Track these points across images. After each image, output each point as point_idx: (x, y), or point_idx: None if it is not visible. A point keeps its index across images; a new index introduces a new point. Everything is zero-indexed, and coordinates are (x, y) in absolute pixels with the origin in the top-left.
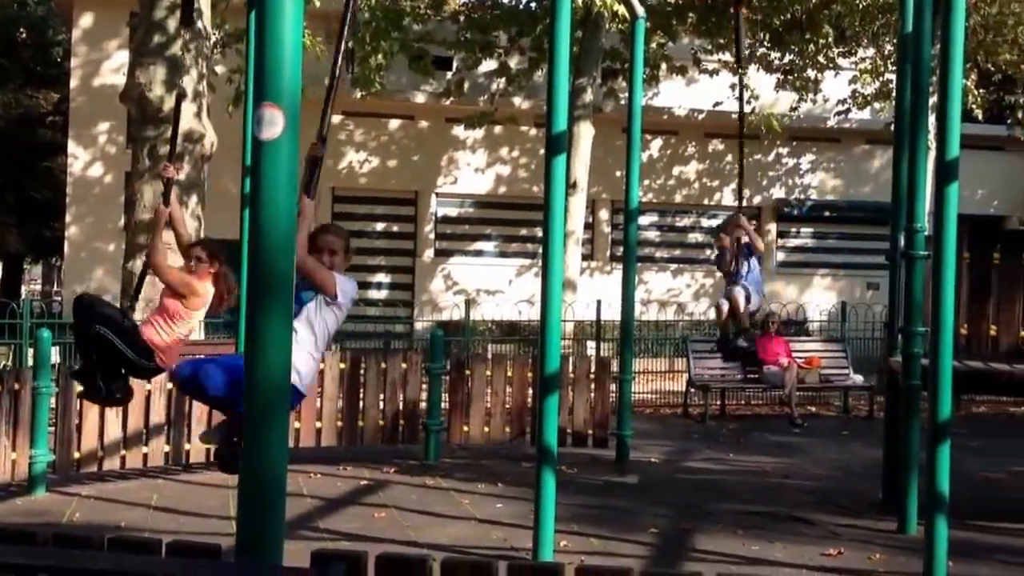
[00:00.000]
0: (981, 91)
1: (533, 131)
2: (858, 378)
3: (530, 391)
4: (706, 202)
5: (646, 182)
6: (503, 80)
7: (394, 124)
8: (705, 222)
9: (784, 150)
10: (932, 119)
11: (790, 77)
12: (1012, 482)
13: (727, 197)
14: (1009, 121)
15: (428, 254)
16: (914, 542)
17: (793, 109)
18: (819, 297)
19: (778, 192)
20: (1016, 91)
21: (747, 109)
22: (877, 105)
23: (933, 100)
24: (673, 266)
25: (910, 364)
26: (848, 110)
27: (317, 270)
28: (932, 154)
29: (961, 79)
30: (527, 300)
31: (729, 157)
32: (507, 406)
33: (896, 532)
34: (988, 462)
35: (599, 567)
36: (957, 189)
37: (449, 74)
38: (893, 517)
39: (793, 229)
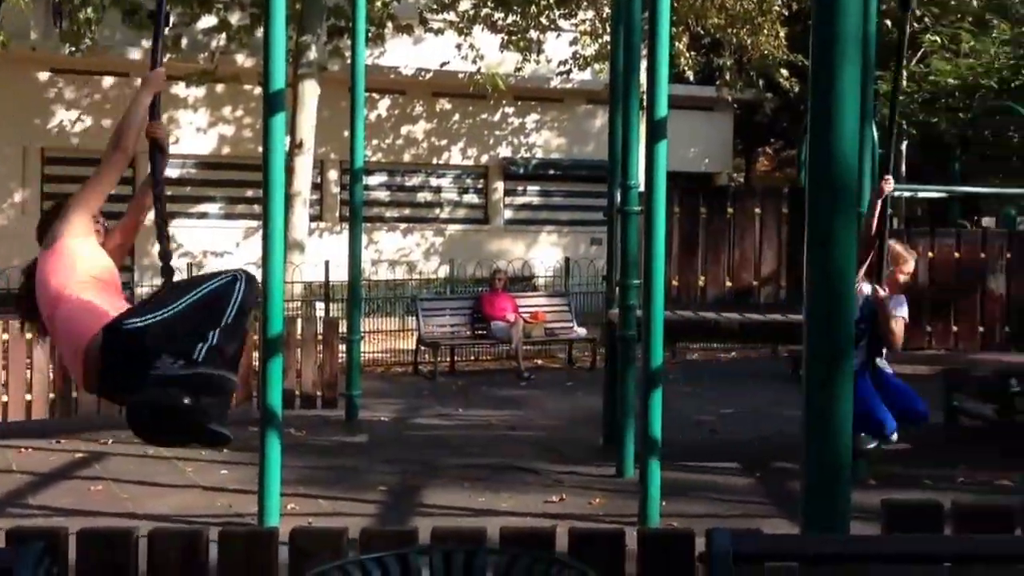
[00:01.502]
0: (692, 53)
1: (257, 90)
2: (581, 331)
3: (256, 354)
4: (435, 161)
5: (374, 142)
6: (223, 37)
7: (108, 82)
8: (434, 181)
9: (510, 110)
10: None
11: (514, 38)
12: (721, 424)
13: (455, 156)
14: (718, 83)
15: (148, 217)
16: (631, 485)
17: (518, 70)
18: (545, 253)
19: (504, 151)
20: (724, 54)
21: (472, 69)
22: (597, 66)
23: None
24: (403, 225)
25: (625, 315)
26: (570, 71)
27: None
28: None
29: (668, 41)
30: (254, 263)
31: (457, 116)
32: None
33: (615, 476)
34: (700, 406)
35: (312, 529)
36: (666, 147)
37: (166, 29)
38: (612, 462)
39: (519, 187)
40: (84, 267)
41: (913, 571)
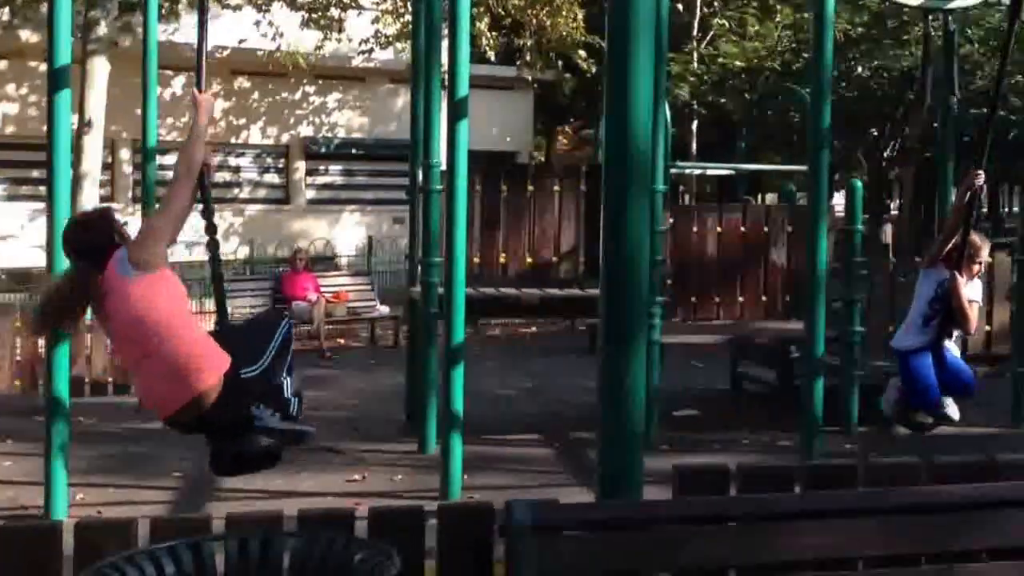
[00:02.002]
0: (493, 34)
1: (43, 66)
2: (384, 309)
3: (42, 341)
4: (233, 141)
5: (169, 120)
6: (7, 11)
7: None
8: (233, 161)
9: (311, 88)
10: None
11: (314, 15)
12: (523, 398)
13: (255, 135)
14: (518, 63)
15: None
16: (433, 460)
17: (318, 48)
18: (349, 232)
19: (306, 130)
20: (524, 34)
21: (271, 46)
22: (399, 45)
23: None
24: (200, 206)
25: (427, 292)
26: (371, 50)
27: None
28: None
29: (468, 22)
30: (40, 246)
31: (256, 95)
32: (17, 359)
33: (417, 452)
34: (502, 381)
35: (98, 520)
36: (467, 126)
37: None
38: (415, 439)
39: (322, 167)
40: (186, 299)
41: (703, 531)
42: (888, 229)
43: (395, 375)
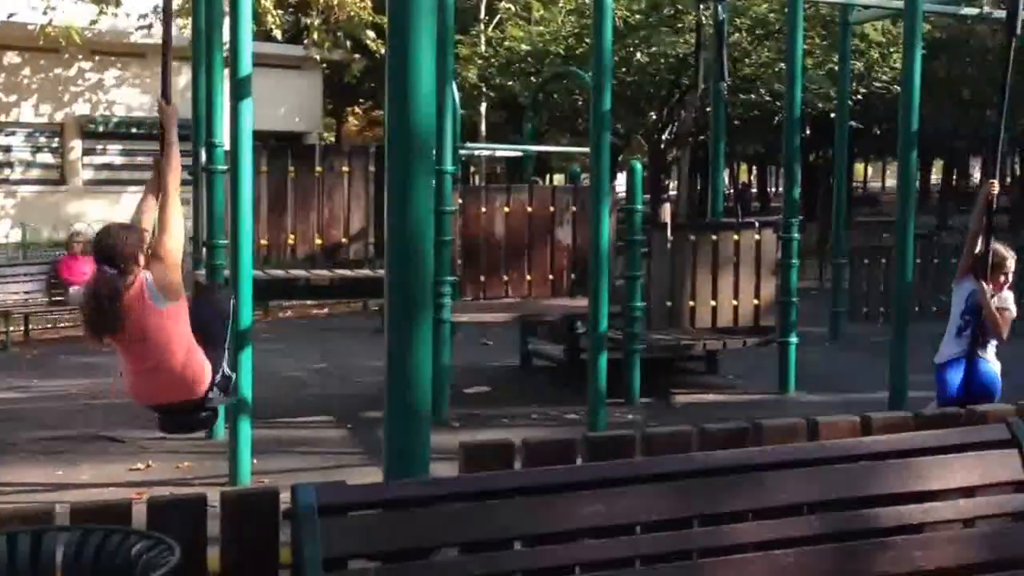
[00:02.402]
0: (279, 12)
1: None
2: None
3: None
4: (3, 119)
5: None
6: None
7: None
8: (3, 140)
9: (87, 65)
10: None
11: None
12: (314, 379)
13: (26, 113)
14: (305, 42)
15: None
16: (221, 446)
17: (94, 22)
18: (129, 214)
19: (82, 108)
20: (311, 13)
21: (43, 20)
22: (180, 21)
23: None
24: None
25: (213, 276)
26: (151, 25)
27: None
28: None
29: None
30: None
31: (27, 71)
32: None
33: (205, 438)
34: (293, 363)
35: None
36: (251, 106)
37: None
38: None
39: (99, 146)
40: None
41: (489, 505)
42: (667, 208)
43: None
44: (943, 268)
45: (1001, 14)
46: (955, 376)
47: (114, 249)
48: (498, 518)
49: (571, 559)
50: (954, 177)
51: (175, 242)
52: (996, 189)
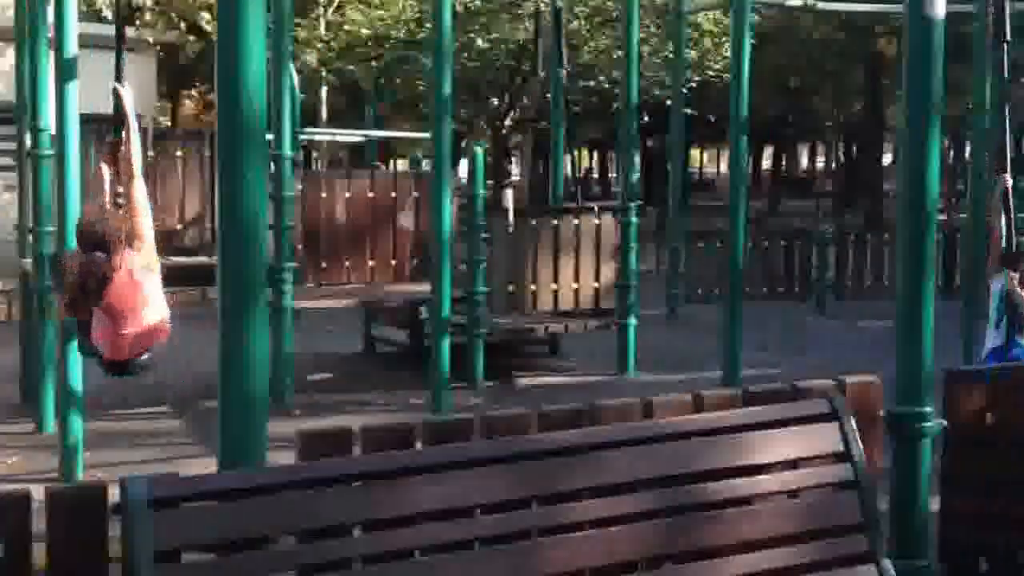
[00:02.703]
0: None
1: None
2: None
3: None
4: None
5: None
6: None
7: None
8: None
9: None
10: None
11: None
12: (150, 369)
13: None
14: (138, 23)
15: None
16: (52, 440)
17: None
18: None
19: None
20: None
21: None
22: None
23: None
24: None
25: (40, 264)
26: None
27: None
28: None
29: None
30: None
31: None
32: None
33: (34, 433)
34: None
35: None
36: (77, 88)
37: None
38: (31, 419)
39: None
40: None
41: (326, 493)
42: (509, 194)
43: (6, 352)
44: (774, 251)
45: (825, 6)
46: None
47: (102, 236)
48: (336, 505)
49: (411, 544)
50: (783, 163)
51: (149, 220)
52: (1009, 181)
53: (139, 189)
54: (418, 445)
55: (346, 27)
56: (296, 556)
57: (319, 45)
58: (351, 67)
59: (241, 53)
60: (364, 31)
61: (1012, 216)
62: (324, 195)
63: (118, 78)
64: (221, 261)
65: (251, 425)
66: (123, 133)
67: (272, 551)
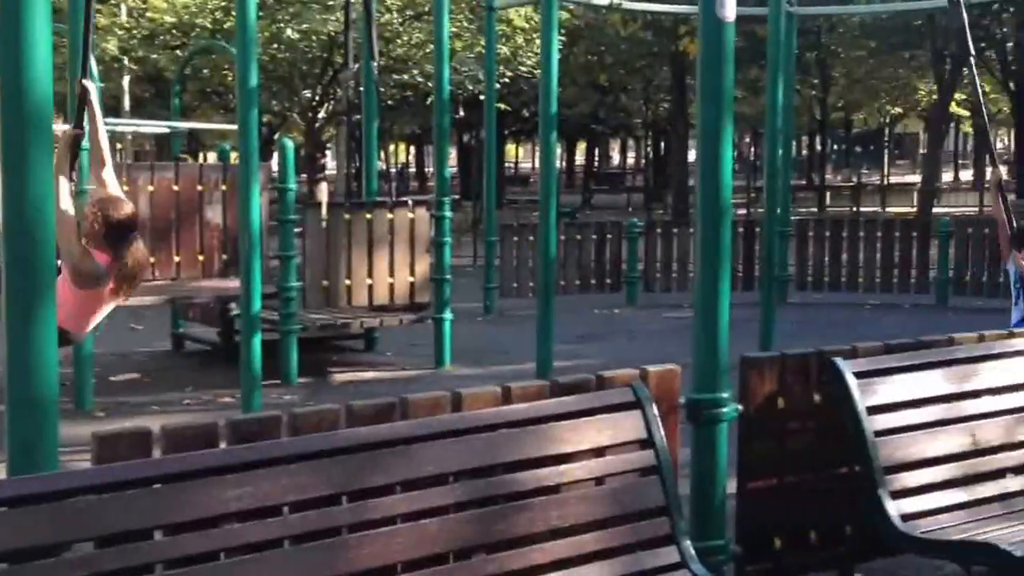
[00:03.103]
0: None
1: None
2: None
3: None
4: None
5: None
6: None
7: None
8: None
9: None
10: None
11: None
12: None
13: None
14: None
15: None
16: None
17: None
18: None
19: None
20: None
21: None
22: None
23: None
24: None
25: None
26: None
27: None
28: None
29: None
30: None
31: None
32: None
33: None
34: None
35: None
36: None
37: None
38: None
39: None
40: None
41: (125, 496)
42: (324, 187)
43: None
44: (586, 245)
45: (632, 6)
46: None
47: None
48: (136, 509)
49: (217, 546)
50: (596, 158)
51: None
52: (1001, 174)
53: (113, 173)
54: (223, 444)
55: (149, 14)
56: (92, 563)
57: (120, 32)
58: (154, 56)
59: (25, 39)
60: (168, 19)
61: (1008, 204)
62: (126, 188)
63: (84, 74)
64: (7, 256)
65: (41, 429)
66: (90, 124)
67: (67, 559)
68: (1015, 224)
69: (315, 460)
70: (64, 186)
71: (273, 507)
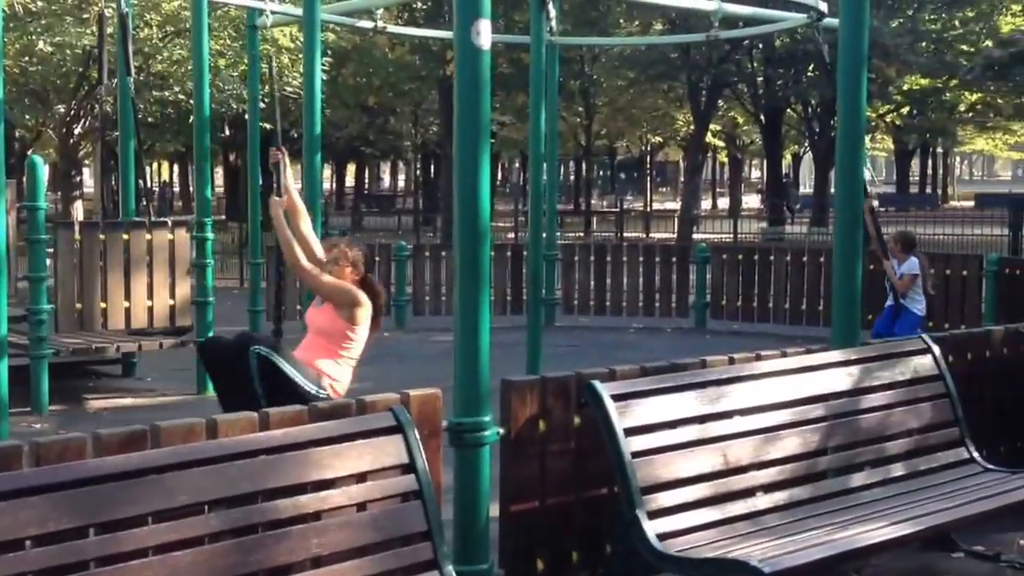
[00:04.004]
0: None
1: None
2: None
3: None
4: None
5: None
6: None
7: None
8: None
9: None
10: None
11: None
12: None
13: None
14: None
15: None
16: None
17: None
18: None
19: None
20: None
21: None
22: None
23: None
24: None
25: None
26: None
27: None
28: None
29: None
30: None
31: None
32: None
33: None
34: None
35: None
36: None
37: None
38: None
39: None
40: None
41: None
42: (79, 206)
43: None
44: None
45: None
46: (882, 321)
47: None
48: None
49: None
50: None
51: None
52: (873, 202)
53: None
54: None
55: None
56: None
57: None
58: None
59: None
60: None
61: (878, 223)
62: None
63: (278, 145)
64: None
65: None
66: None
67: None
68: (883, 239)
69: (59, 491)
70: (296, 246)
71: (14, 541)
